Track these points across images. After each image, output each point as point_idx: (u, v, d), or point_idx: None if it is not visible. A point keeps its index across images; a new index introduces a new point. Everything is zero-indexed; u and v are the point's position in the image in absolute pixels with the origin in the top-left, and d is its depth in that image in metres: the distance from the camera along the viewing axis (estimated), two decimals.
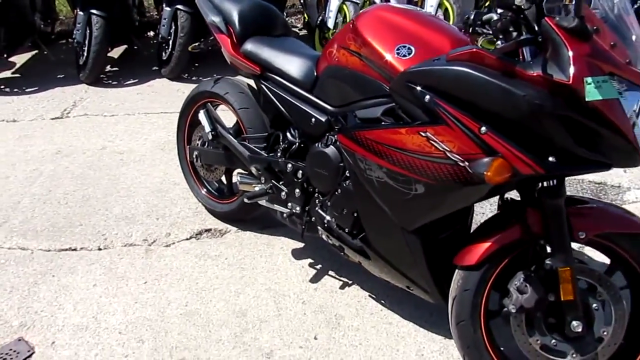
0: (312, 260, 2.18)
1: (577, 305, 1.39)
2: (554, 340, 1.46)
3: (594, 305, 1.44)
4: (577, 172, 1.35)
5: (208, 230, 2.40)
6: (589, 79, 1.17)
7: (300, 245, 2.27)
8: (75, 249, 2.29)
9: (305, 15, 5.38)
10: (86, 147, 3.19)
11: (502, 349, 1.53)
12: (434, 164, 1.36)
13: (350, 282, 2.06)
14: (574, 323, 1.40)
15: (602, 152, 1.23)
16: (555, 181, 1.35)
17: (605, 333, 1.44)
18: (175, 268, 2.16)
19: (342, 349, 1.78)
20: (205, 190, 2.43)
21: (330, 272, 2.12)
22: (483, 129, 1.28)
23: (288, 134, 1.95)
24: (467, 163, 1.29)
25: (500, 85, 1.24)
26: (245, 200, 2.01)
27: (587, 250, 1.82)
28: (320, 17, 4.57)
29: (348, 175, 1.65)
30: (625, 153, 1.23)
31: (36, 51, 5.03)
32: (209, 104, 2.24)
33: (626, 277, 1.48)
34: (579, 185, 2.69)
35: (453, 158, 1.33)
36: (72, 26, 4.29)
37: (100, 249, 2.29)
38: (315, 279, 2.08)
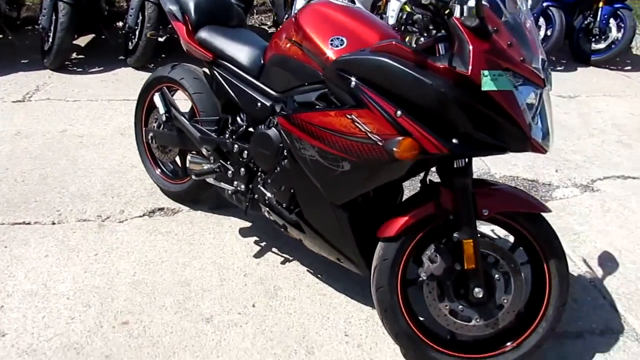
0: (257, 238, 2.32)
1: (478, 274, 1.58)
2: (460, 306, 1.64)
3: (496, 276, 1.63)
4: (477, 154, 1.53)
5: (161, 209, 2.51)
6: (486, 72, 1.35)
7: (248, 224, 2.41)
8: (29, 223, 2.37)
9: (274, 14, 5.53)
10: (46, 130, 3.26)
11: (421, 319, 1.70)
12: (358, 143, 1.53)
13: (291, 258, 2.21)
14: (476, 289, 1.58)
15: (499, 137, 1.42)
16: (463, 163, 1.53)
17: (505, 301, 1.63)
18: (126, 242, 2.27)
19: (277, 315, 1.92)
20: (159, 170, 2.55)
21: (274, 249, 2.26)
22: (399, 112, 1.45)
23: (238, 118, 2.09)
24: (384, 142, 1.46)
25: (413, 75, 1.42)
26: (193, 177, 2.14)
27: (499, 232, 2.02)
28: (287, 15, 4.73)
29: (286, 154, 1.80)
30: (518, 139, 1.42)
31: (0, 36, 5.03)
32: (164, 88, 2.36)
33: (527, 254, 1.68)
34: (513, 181, 2.91)
35: (373, 138, 1.49)
36: (38, 12, 4.32)
37: (54, 224, 2.38)
38: (258, 255, 2.23)
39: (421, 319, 1.71)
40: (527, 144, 1.42)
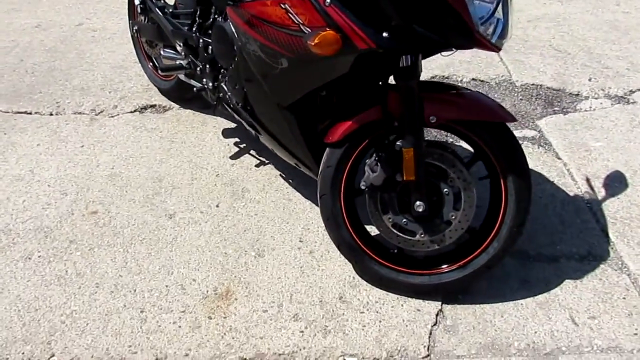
0: (238, 140, 2.29)
1: (419, 186, 1.45)
2: (405, 220, 1.54)
3: (445, 190, 1.49)
4: (412, 50, 1.32)
5: (153, 106, 2.52)
6: None
7: (233, 125, 2.37)
8: (30, 113, 2.48)
9: None
10: (64, 23, 3.30)
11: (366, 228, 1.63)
12: (291, 36, 1.38)
13: (267, 162, 2.17)
14: (417, 203, 1.47)
15: (437, 30, 1.22)
16: (409, 62, 1.35)
17: (453, 217, 1.51)
18: (112, 136, 2.32)
19: (237, 217, 1.92)
20: (151, 65, 2.52)
21: (252, 152, 2.22)
22: (328, 1, 1.27)
23: (208, 10, 1.96)
24: (304, 35, 1.31)
25: None
26: (159, 71, 2.09)
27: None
28: None
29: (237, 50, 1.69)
30: (460, 33, 1.21)
31: None
32: None
33: (487, 168, 1.52)
34: (535, 90, 2.61)
35: (305, 30, 1.34)
36: None
37: (51, 114, 2.47)
38: (235, 156, 2.20)
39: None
40: (472, 39, 1.22)
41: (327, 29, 1.27)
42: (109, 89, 2.63)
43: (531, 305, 1.61)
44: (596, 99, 2.54)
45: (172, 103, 2.52)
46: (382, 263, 1.60)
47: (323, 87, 1.50)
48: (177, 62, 2.08)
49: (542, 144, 2.26)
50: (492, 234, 1.52)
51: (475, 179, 1.50)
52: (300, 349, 1.50)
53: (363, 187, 1.51)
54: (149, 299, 1.64)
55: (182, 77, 2.09)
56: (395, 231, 1.55)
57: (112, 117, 2.45)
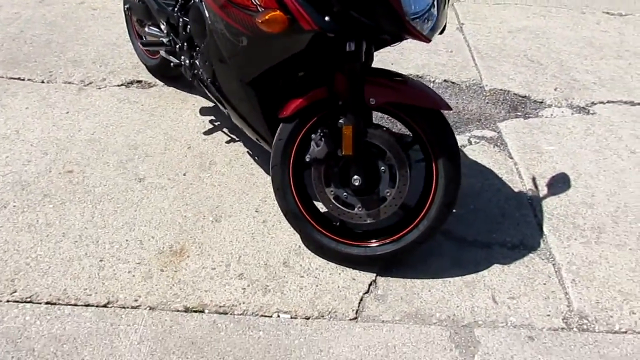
0: (213, 118, 2.44)
1: (357, 162, 1.59)
2: (345, 193, 1.68)
3: (382, 168, 1.63)
4: (351, 34, 1.44)
5: (139, 82, 2.67)
6: None
7: (210, 105, 2.51)
8: (23, 79, 2.63)
9: None
10: (66, 0, 3.45)
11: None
12: (248, 16, 1.53)
13: (237, 139, 2.32)
14: (355, 177, 1.61)
15: (371, 16, 1.36)
16: (353, 47, 1.49)
17: (388, 194, 1.64)
18: (96, 106, 2.47)
19: (201, 186, 2.07)
20: (140, 42, 2.67)
21: (225, 130, 2.37)
22: None
23: None
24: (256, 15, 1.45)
25: None
26: (140, 45, 2.24)
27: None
28: None
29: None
30: (391, 20, 1.35)
31: None
32: None
33: (422, 151, 1.65)
34: (502, 95, 2.74)
35: (260, 11, 1.48)
36: None
37: (43, 82, 2.62)
38: (208, 132, 2.35)
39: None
40: (403, 27, 1.36)
41: (278, 10, 1.42)
42: (99, 63, 2.79)
43: (458, 283, 1.75)
44: (558, 107, 2.67)
45: (158, 80, 2.67)
46: (323, 233, 1.74)
47: (281, 65, 1.63)
48: (160, 39, 2.23)
49: (498, 144, 2.39)
50: (423, 213, 1.65)
51: (411, 160, 1.64)
52: (240, 304, 1.64)
53: (308, 160, 1.65)
54: (109, 250, 1.78)
55: (162, 53, 2.24)
56: (336, 203, 1.69)
57: (100, 89, 2.60)
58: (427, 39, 1.40)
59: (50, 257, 1.75)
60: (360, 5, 1.35)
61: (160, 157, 2.19)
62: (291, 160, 1.70)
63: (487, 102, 2.69)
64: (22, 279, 1.67)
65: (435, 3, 1.41)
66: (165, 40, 2.19)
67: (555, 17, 3.58)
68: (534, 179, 2.18)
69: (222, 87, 1.86)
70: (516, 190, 2.13)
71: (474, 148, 2.35)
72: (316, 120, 1.65)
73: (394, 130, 1.65)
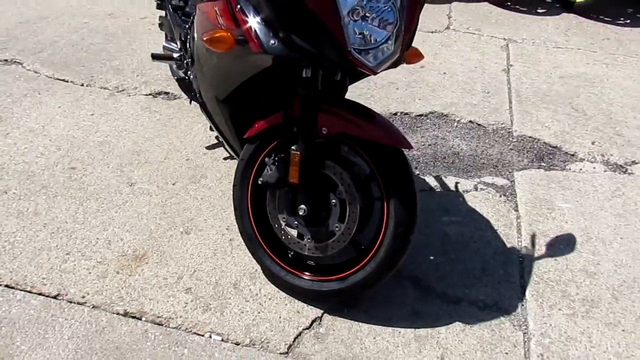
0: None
1: (304, 191, 1.54)
2: (296, 222, 1.62)
3: (333, 201, 1.56)
4: (293, 57, 1.37)
5: (166, 93, 2.81)
6: None
7: None
8: (66, 81, 2.87)
9: None
10: (132, 14, 3.74)
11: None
12: None
13: (235, 157, 2.33)
14: (300, 206, 1.55)
15: (314, 43, 1.32)
16: (309, 74, 1.45)
17: (337, 228, 1.57)
18: (120, 111, 2.63)
19: (185, 197, 2.11)
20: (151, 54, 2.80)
21: (227, 147, 2.40)
22: (238, 6, 1.43)
23: None
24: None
25: None
26: (152, 59, 2.35)
27: None
28: None
29: None
30: (332, 48, 1.30)
31: None
32: None
33: (380, 188, 1.56)
34: (530, 143, 2.54)
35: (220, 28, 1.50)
36: None
37: (82, 85, 2.84)
38: (211, 147, 2.40)
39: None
40: (344, 57, 1.30)
41: (226, 31, 1.43)
42: (138, 72, 2.97)
43: (408, 336, 1.61)
44: (591, 162, 2.42)
45: (183, 95, 2.78)
46: (274, 259, 1.69)
47: (248, 85, 1.63)
48: (172, 53, 2.33)
49: (506, 194, 2.21)
50: (371, 254, 1.55)
51: (371, 197, 1.56)
52: (177, 317, 1.64)
53: (260, 183, 1.62)
54: (78, 246, 1.86)
55: (174, 67, 2.34)
56: (286, 229, 1.64)
57: (129, 96, 2.76)
58: (373, 71, 1.33)
59: (25, 243, 1.86)
60: (304, 33, 1.32)
61: (157, 165, 2.27)
62: (250, 182, 1.68)
63: (511, 149, 2.50)
64: None
65: (394, 36, 1.35)
66: (176, 55, 2.28)
67: (620, 66, 3.28)
68: (533, 236, 1.98)
69: (205, 103, 1.90)
70: (509, 245, 1.95)
71: (477, 195, 2.19)
72: (276, 144, 1.63)
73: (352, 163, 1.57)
